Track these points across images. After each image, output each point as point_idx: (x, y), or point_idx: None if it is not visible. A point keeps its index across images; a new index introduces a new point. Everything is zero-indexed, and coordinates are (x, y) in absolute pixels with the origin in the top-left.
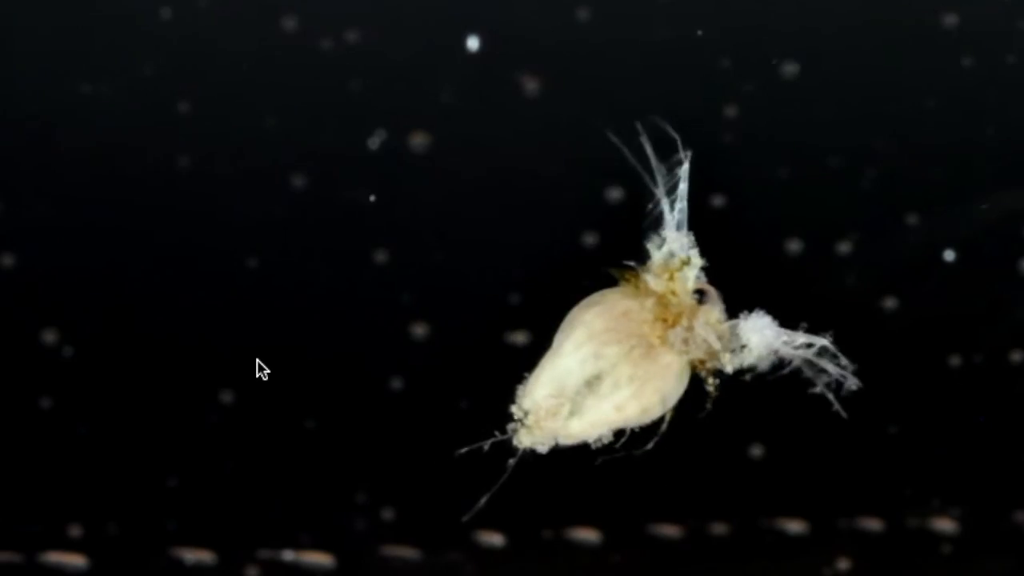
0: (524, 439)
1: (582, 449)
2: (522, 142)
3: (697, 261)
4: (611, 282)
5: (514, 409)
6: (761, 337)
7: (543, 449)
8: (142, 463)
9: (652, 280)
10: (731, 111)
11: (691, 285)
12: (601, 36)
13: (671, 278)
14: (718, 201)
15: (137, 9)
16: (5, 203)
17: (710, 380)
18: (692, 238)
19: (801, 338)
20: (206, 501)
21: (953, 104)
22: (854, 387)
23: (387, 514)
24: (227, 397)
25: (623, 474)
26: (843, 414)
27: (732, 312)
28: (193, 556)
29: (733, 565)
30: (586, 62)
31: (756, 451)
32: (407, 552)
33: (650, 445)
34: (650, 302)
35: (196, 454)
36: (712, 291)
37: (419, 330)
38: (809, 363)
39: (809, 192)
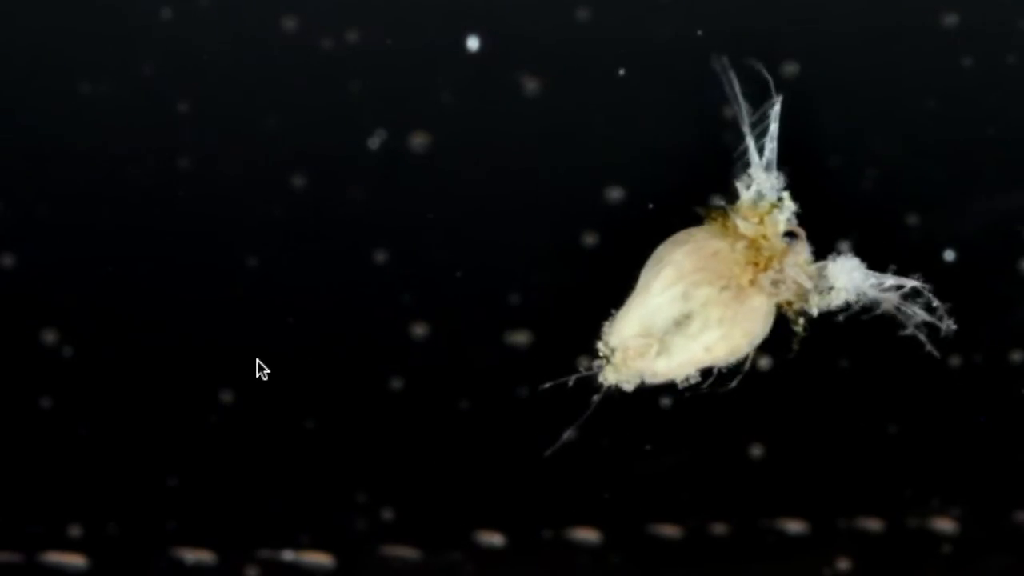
0: (610, 376)
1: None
2: (522, 141)
3: (789, 203)
4: (696, 220)
5: (600, 346)
6: (850, 279)
7: (629, 387)
8: (142, 463)
9: (742, 223)
10: (731, 111)
11: (781, 228)
12: (601, 35)
13: (761, 221)
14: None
15: (137, 9)
16: (5, 203)
17: (798, 321)
18: (782, 178)
19: (891, 280)
20: (206, 501)
21: (953, 104)
22: (947, 329)
23: (387, 514)
24: (227, 397)
25: (623, 474)
26: (936, 354)
27: (819, 255)
28: (193, 556)
29: (733, 565)
30: (586, 62)
31: (756, 451)
32: (407, 552)
33: (733, 384)
34: (741, 244)
35: (196, 454)
36: (801, 232)
37: (419, 330)
38: (898, 306)
39: (809, 192)
